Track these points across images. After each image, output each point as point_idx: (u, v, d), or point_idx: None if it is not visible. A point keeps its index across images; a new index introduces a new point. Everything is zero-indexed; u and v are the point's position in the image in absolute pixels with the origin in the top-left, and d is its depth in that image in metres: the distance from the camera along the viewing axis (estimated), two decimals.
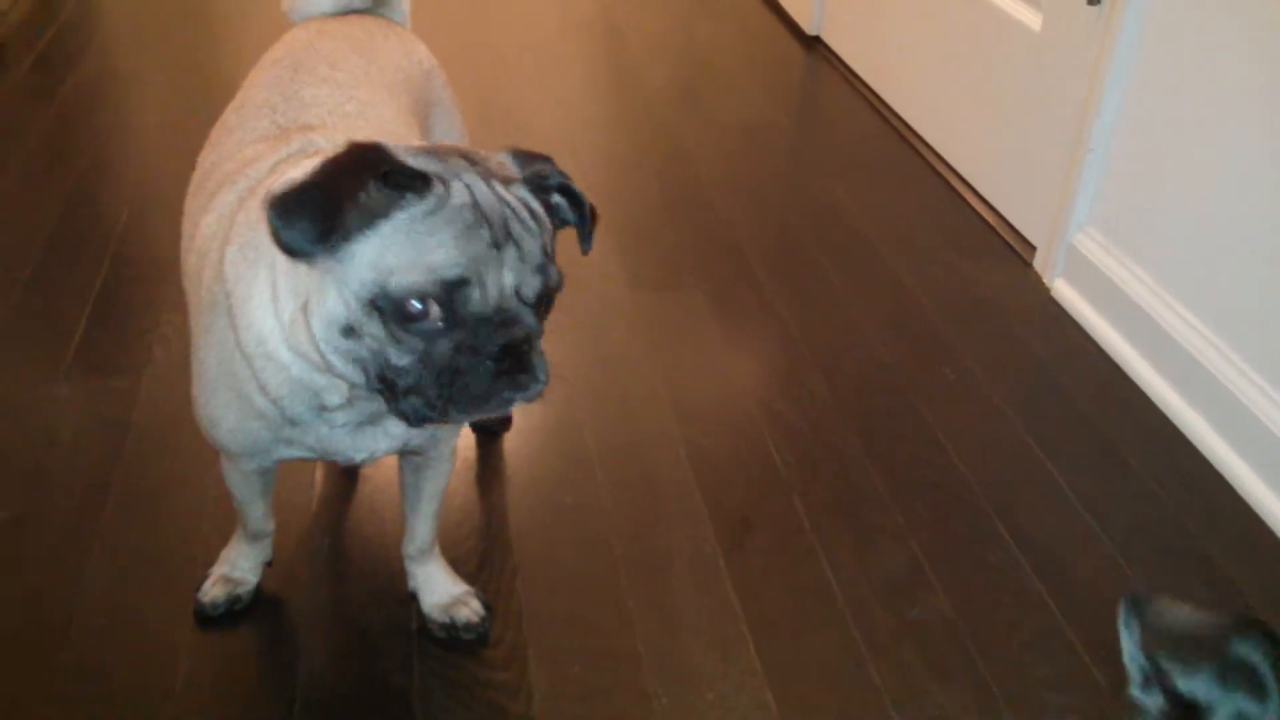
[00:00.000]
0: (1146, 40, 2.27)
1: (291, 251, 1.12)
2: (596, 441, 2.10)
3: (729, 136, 3.37)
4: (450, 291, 1.14)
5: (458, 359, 1.16)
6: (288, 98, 1.52)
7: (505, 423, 2.12)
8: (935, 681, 1.66)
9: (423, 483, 1.64)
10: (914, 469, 2.07)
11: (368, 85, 1.60)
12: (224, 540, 1.77)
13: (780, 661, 1.68)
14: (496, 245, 1.16)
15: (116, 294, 2.49)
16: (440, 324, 1.15)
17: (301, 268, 1.18)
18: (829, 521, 1.94)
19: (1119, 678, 1.68)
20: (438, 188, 1.14)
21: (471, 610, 1.71)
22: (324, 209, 1.10)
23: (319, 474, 2.00)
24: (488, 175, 1.19)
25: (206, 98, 3.43)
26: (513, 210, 1.18)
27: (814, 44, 3.98)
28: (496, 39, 4.01)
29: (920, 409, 2.22)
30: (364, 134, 1.44)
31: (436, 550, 1.74)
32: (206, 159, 1.53)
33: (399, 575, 1.76)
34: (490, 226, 1.15)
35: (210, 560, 1.76)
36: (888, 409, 2.23)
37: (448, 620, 1.70)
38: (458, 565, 1.78)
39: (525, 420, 2.15)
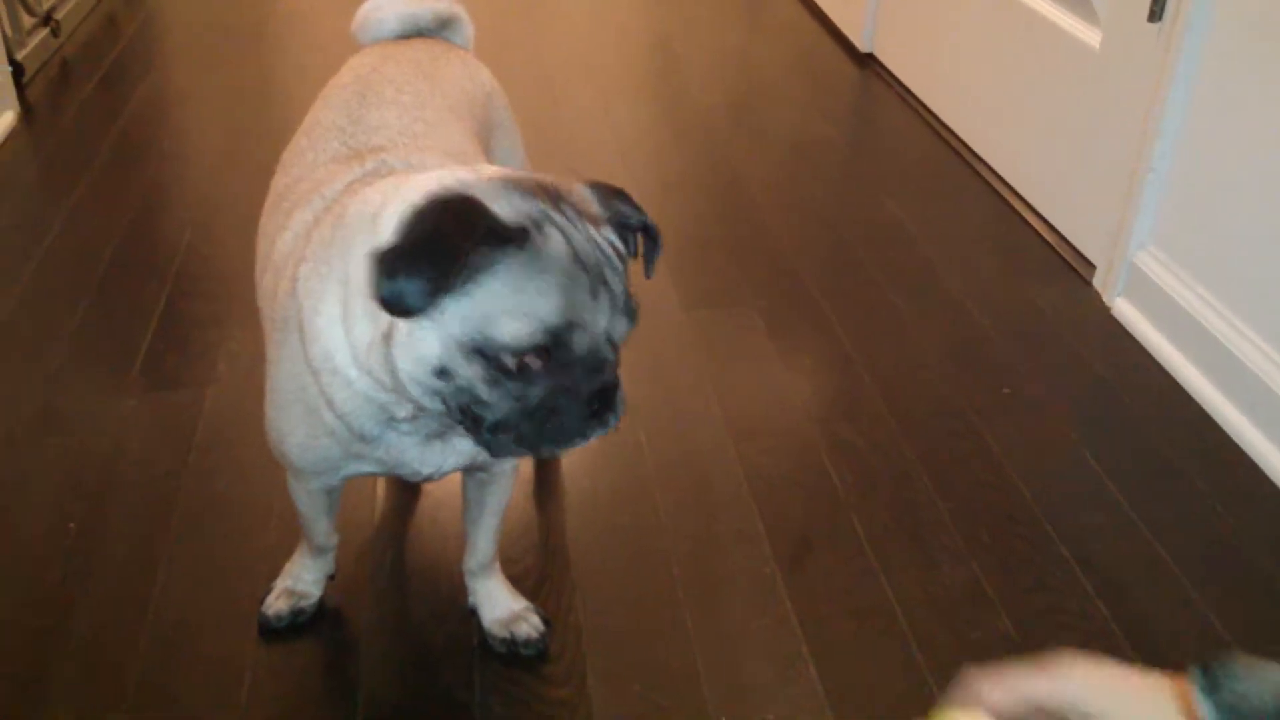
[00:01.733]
0: (1208, 56, 2.25)
1: (397, 310, 1.12)
2: (653, 459, 2.11)
3: (783, 154, 3.37)
4: (556, 338, 1.16)
5: (553, 400, 1.19)
6: (356, 120, 1.55)
7: None
8: None
9: (487, 498, 1.65)
10: (974, 489, 2.06)
11: (433, 107, 1.62)
12: (288, 554, 1.79)
13: (841, 682, 1.68)
14: (593, 292, 1.18)
15: (181, 310, 2.53)
16: (541, 369, 1.18)
17: None
18: (889, 542, 1.93)
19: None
20: (535, 238, 1.15)
21: (531, 626, 1.72)
22: (434, 272, 1.10)
23: (381, 489, 2.02)
24: (577, 217, 1.19)
25: (268, 118, 3.49)
26: (604, 255, 1.20)
27: (867, 61, 3.97)
28: (552, 58, 4.04)
29: (979, 428, 2.20)
30: (433, 154, 1.46)
31: (496, 566, 1.75)
32: (279, 182, 1.55)
33: (460, 590, 1.77)
34: (587, 273, 1.17)
35: (275, 574, 1.78)
36: (946, 429, 2.21)
37: (508, 636, 1.71)
38: (517, 582, 1.79)
39: None
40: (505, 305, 1.13)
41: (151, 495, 2.00)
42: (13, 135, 3.38)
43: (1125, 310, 2.52)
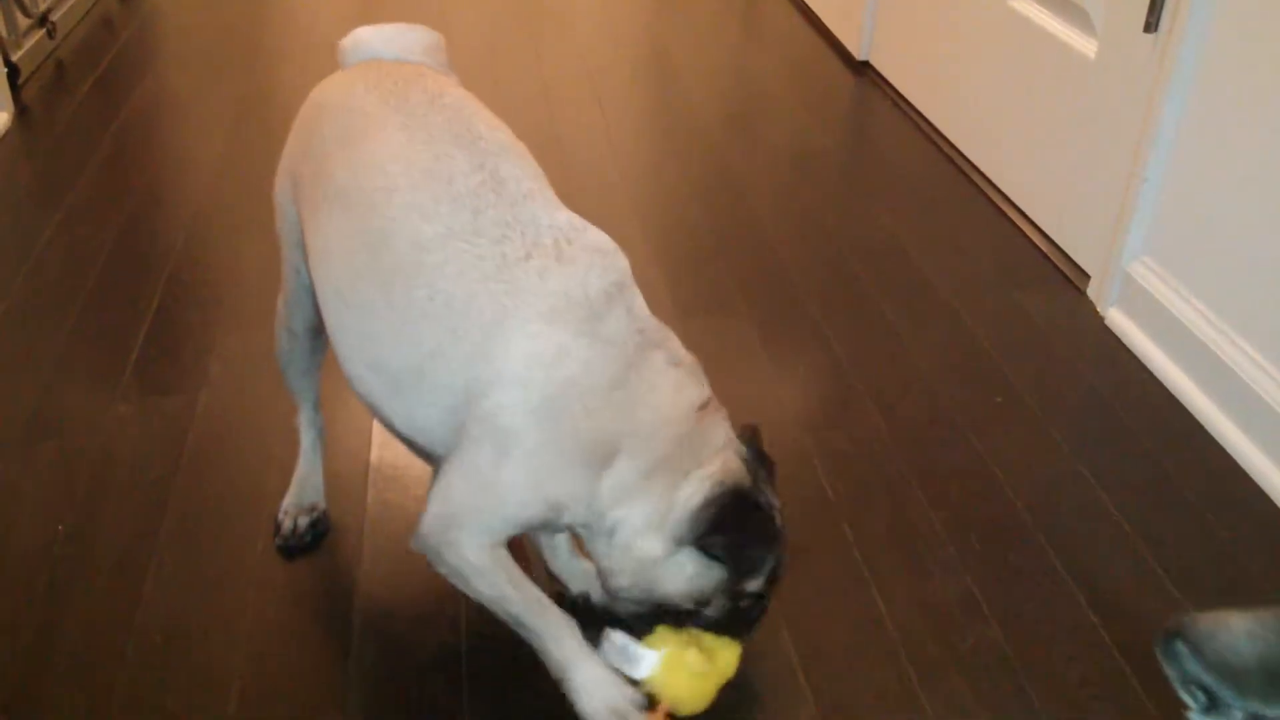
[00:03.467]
0: (1204, 67, 2.25)
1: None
2: None
3: (779, 162, 3.37)
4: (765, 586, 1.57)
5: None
6: (497, 180, 1.46)
7: None
8: (988, 713, 1.64)
9: None
10: (966, 499, 2.05)
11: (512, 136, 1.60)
12: (278, 562, 1.78)
13: (831, 691, 1.67)
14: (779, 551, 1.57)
15: (173, 315, 2.53)
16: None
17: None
18: (880, 551, 1.93)
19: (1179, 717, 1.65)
20: (777, 532, 1.56)
21: None
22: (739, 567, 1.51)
23: (370, 495, 2.01)
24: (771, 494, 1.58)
25: (264, 123, 3.49)
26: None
27: (863, 69, 3.98)
28: (549, 67, 4.04)
29: (972, 438, 2.20)
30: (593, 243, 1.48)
31: None
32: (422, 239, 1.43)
33: (448, 598, 1.76)
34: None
35: (264, 583, 1.78)
36: (940, 439, 2.21)
37: None
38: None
39: None
40: (760, 570, 1.53)
41: (142, 501, 1.99)
42: (7, 136, 3.38)
43: (1119, 320, 2.52)
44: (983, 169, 3.20)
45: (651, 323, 1.49)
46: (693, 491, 1.44)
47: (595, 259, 1.44)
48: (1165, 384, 2.35)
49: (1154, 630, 1.76)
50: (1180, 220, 2.36)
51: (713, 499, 1.44)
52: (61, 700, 1.63)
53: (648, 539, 1.45)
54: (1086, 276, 2.68)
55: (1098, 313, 2.59)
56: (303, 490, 1.91)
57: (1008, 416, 2.28)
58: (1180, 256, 2.37)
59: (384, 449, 2.12)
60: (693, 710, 1.51)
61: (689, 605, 1.50)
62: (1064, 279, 2.73)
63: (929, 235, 2.95)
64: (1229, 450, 2.16)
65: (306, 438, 1.93)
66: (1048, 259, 2.81)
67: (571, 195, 1.54)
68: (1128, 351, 2.46)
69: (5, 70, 3.49)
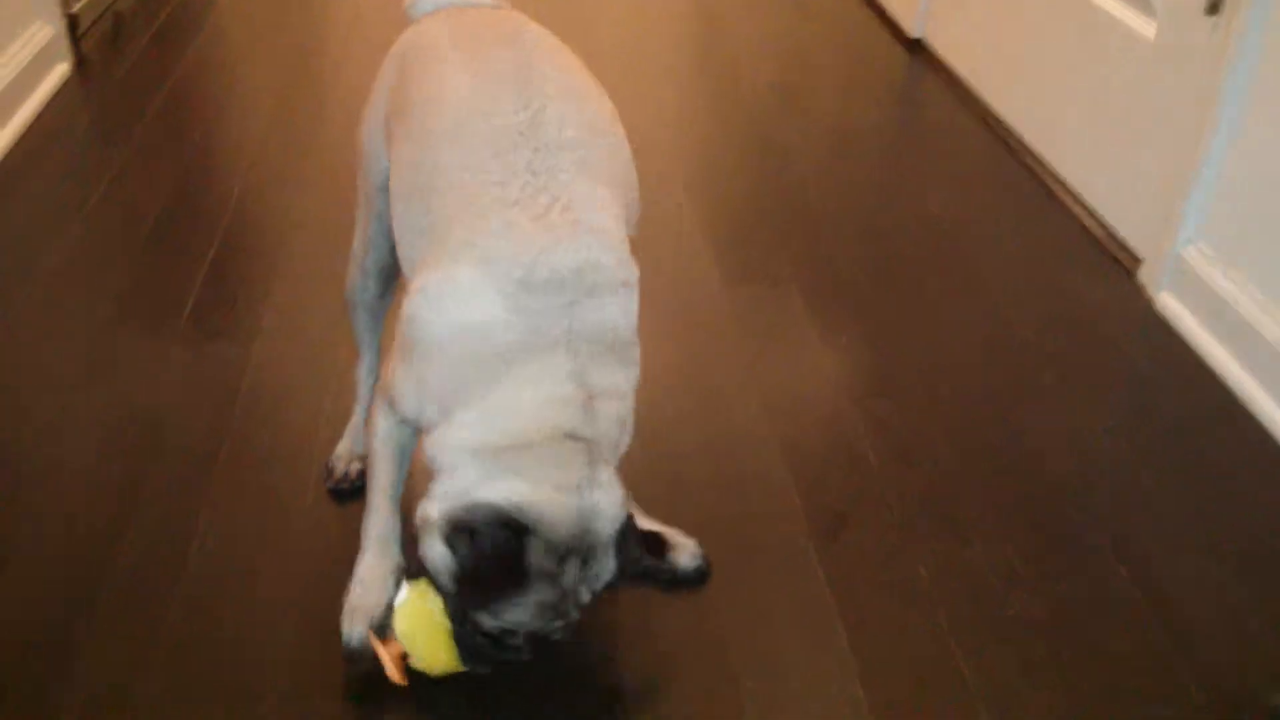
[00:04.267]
0: (1267, 51, 2.23)
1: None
2: (689, 435, 2.12)
3: (827, 138, 3.37)
4: (504, 631, 1.45)
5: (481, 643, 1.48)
6: (536, 122, 1.45)
7: None
8: (1026, 682, 1.65)
9: None
10: (1010, 473, 2.06)
11: (593, 103, 1.63)
12: (331, 509, 1.81)
13: (870, 654, 1.69)
14: (546, 620, 1.43)
15: (229, 265, 2.56)
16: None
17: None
18: (922, 521, 1.94)
19: (1217, 697, 1.66)
20: (534, 585, 1.38)
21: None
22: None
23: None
24: (584, 578, 1.42)
25: (319, 77, 3.52)
26: (577, 602, 1.44)
27: (916, 47, 3.96)
28: (594, 34, 4.05)
29: (1018, 414, 2.20)
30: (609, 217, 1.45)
31: None
32: (429, 154, 1.48)
33: None
34: (555, 613, 1.43)
35: (315, 531, 1.81)
36: (984, 415, 2.21)
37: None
38: None
39: None
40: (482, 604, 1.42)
41: (195, 447, 2.02)
42: (66, 87, 3.42)
43: (1170, 304, 2.51)
44: (1035, 149, 3.18)
45: (593, 338, 1.39)
46: (487, 491, 1.37)
47: (574, 238, 1.37)
48: (1214, 369, 2.34)
49: (1198, 612, 1.77)
50: (1237, 205, 2.35)
51: (483, 505, 1.36)
52: (108, 645, 1.66)
53: (433, 502, 1.41)
54: (1138, 260, 2.66)
55: (1148, 296, 2.58)
56: (357, 437, 1.94)
57: (1053, 394, 2.28)
58: (1235, 242, 2.35)
59: None
60: (424, 659, 1.51)
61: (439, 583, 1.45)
62: (1114, 261, 2.72)
63: (978, 213, 2.94)
64: (1275, 434, 2.16)
65: (365, 386, 1.96)
66: (1097, 241, 2.80)
67: None
68: (1177, 335, 2.45)
69: (65, 21, 3.53)
